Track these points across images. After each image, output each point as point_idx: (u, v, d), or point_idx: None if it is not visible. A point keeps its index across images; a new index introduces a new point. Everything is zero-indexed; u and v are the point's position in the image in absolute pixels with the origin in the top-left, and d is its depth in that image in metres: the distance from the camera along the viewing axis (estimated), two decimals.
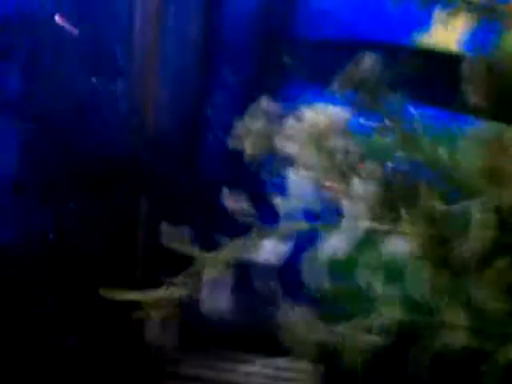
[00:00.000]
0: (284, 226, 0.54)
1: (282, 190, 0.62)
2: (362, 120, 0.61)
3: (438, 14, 0.78)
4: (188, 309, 0.98)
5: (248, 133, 0.64)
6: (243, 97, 1.05)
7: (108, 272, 0.98)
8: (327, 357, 0.69)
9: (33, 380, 1.02)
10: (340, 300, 0.63)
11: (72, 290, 1.04)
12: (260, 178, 1.08)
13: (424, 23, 0.94)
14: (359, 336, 0.60)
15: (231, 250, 0.56)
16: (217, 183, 0.74)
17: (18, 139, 1.07)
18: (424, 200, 0.53)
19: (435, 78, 0.91)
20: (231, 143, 0.65)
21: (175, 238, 0.57)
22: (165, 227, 0.55)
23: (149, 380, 1.04)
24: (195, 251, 0.56)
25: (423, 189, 0.54)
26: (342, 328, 0.58)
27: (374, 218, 0.53)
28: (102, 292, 0.56)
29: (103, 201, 1.04)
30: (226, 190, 0.56)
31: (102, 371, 1.03)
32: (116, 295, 0.56)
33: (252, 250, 0.56)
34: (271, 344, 0.96)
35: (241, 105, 1.04)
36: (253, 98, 0.72)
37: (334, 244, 0.52)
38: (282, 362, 0.69)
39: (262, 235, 0.55)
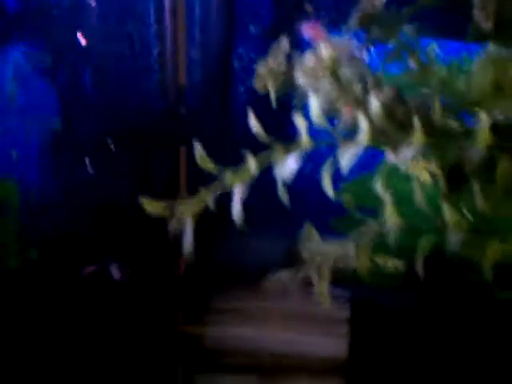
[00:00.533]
0: (304, 140, 0.59)
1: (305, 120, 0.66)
2: (372, 49, 0.64)
3: None
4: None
5: (270, 72, 0.68)
6: (267, 47, 1.10)
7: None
8: (353, 281, 0.73)
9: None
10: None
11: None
12: (285, 119, 1.13)
13: None
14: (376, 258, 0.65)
15: (256, 163, 0.61)
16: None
17: (57, 99, 1.14)
18: (437, 117, 0.57)
19: (449, 9, 0.94)
20: (255, 84, 0.70)
21: (206, 158, 0.62)
22: (198, 148, 0.60)
23: (189, 316, 1.11)
24: (223, 169, 0.61)
25: (437, 108, 0.58)
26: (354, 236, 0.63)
27: (387, 136, 0.57)
28: (143, 202, 0.61)
29: (145, 151, 1.11)
30: (250, 111, 0.61)
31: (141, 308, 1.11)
32: (153, 207, 0.61)
33: (275, 165, 0.61)
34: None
35: (265, 54, 1.09)
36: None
37: (349, 157, 0.57)
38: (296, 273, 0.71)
39: (285, 150, 0.60)
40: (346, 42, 0.63)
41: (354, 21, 0.72)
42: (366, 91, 0.61)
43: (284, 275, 0.64)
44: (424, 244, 0.61)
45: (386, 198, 0.61)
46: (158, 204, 0.65)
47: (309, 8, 1.08)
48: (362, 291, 1.13)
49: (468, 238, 0.58)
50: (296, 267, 0.65)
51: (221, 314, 1.15)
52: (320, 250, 0.63)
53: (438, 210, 0.71)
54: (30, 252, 1.17)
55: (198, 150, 0.64)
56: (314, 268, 0.64)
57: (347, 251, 0.65)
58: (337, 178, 0.68)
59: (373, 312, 1.16)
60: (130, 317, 1.16)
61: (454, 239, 0.58)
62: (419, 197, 0.61)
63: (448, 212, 0.57)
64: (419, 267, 0.62)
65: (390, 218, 0.61)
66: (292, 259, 1.16)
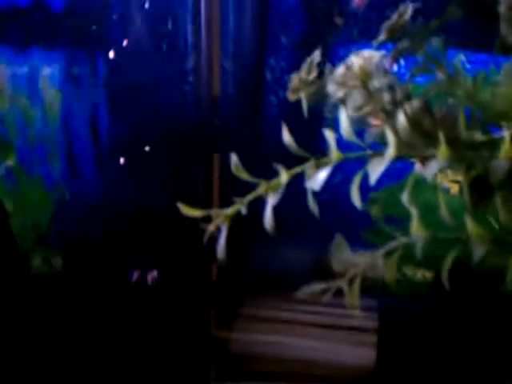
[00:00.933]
0: (334, 154, 0.61)
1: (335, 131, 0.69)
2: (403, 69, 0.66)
3: None
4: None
5: (303, 84, 0.71)
6: (298, 58, 1.13)
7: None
8: (382, 291, 0.75)
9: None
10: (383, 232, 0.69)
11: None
12: (319, 136, 1.15)
13: None
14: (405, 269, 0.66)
15: (288, 176, 0.63)
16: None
17: (92, 111, 1.18)
18: (463, 129, 0.59)
19: (477, 22, 0.95)
20: (288, 94, 0.72)
21: (241, 168, 0.64)
22: (234, 157, 0.63)
23: (220, 321, 1.13)
24: (258, 179, 0.64)
25: (462, 120, 0.60)
26: (383, 250, 0.64)
27: (415, 149, 0.59)
28: (181, 207, 0.64)
29: (180, 159, 1.15)
30: (284, 125, 0.63)
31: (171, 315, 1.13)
32: (192, 212, 0.63)
33: (308, 179, 0.63)
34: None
35: (296, 65, 1.12)
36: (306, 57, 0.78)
37: (378, 170, 0.59)
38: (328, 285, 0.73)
39: (317, 164, 0.62)
40: (376, 53, 0.66)
41: (382, 33, 0.74)
42: (394, 102, 0.63)
43: (316, 287, 0.66)
44: (450, 256, 0.62)
45: (413, 210, 0.62)
46: (196, 210, 0.67)
47: (339, 20, 1.11)
48: (390, 300, 1.14)
49: (492, 250, 0.60)
50: (328, 280, 0.67)
51: (250, 320, 1.17)
52: (351, 261, 0.65)
53: (463, 221, 0.73)
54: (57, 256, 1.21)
55: (234, 159, 0.66)
56: (345, 280, 0.66)
57: (376, 262, 0.67)
58: (365, 187, 0.70)
59: (401, 321, 1.17)
60: (162, 319, 1.19)
61: (478, 251, 0.59)
62: (444, 210, 0.62)
63: (471, 224, 0.59)
64: (445, 279, 0.63)
65: (417, 230, 0.63)
66: (322, 268, 1.18)
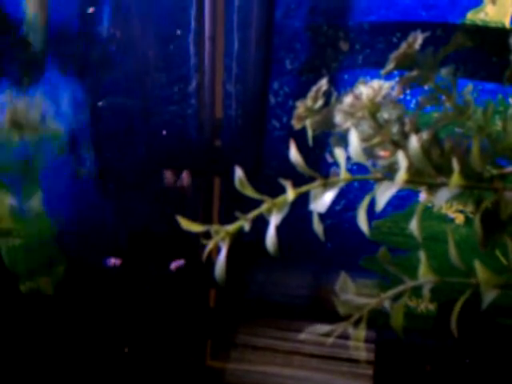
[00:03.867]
0: (343, 174, 0.60)
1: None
2: (409, 96, 0.65)
3: None
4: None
5: (309, 112, 0.70)
6: (302, 83, 1.12)
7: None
8: (380, 323, 0.73)
9: None
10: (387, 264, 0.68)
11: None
12: (322, 160, 1.14)
13: (476, 1, 0.97)
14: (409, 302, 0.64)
15: (294, 194, 0.62)
16: (283, 163, 0.80)
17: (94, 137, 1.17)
18: (475, 160, 0.58)
19: (488, 53, 0.95)
20: (293, 123, 0.71)
21: (246, 183, 0.63)
22: (239, 172, 0.61)
23: (216, 350, 1.11)
24: (262, 196, 0.62)
25: (475, 151, 0.59)
26: (391, 294, 0.63)
27: (424, 176, 0.57)
28: (181, 222, 0.62)
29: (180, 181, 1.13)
30: (292, 143, 0.61)
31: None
32: (192, 227, 0.62)
33: (312, 199, 0.62)
34: (322, 310, 1.02)
35: (300, 90, 1.11)
36: (311, 84, 0.77)
37: (386, 197, 0.57)
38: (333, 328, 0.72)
39: (325, 184, 0.60)
40: (385, 84, 0.64)
41: (390, 62, 0.73)
42: (403, 133, 0.62)
43: (321, 329, 0.64)
44: (459, 301, 0.60)
45: (422, 256, 0.61)
46: (197, 225, 0.65)
47: (344, 46, 1.10)
48: (387, 333, 1.12)
49: (501, 293, 0.58)
50: (333, 324, 0.65)
51: (246, 350, 1.15)
52: (356, 303, 0.63)
53: (469, 253, 0.71)
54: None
55: (239, 174, 0.65)
56: (350, 323, 0.64)
57: (383, 304, 0.65)
58: (368, 215, 0.68)
59: (398, 354, 1.15)
60: (158, 349, 1.17)
61: (488, 297, 0.58)
62: (452, 246, 0.61)
63: (481, 269, 0.57)
64: (454, 326, 0.61)
65: (426, 275, 0.61)
66: (322, 296, 1.16)
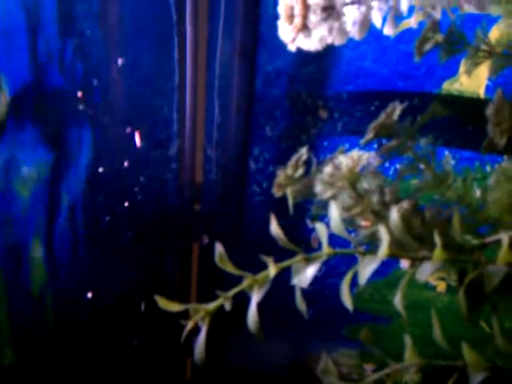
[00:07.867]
0: (326, 249, 0.59)
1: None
2: (387, 163, 0.65)
3: (463, 63, 0.83)
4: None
5: (289, 181, 0.69)
6: (282, 149, 1.13)
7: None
8: None
9: None
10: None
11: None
12: (301, 225, 1.13)
13: (451, 72, 1.00)
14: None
15: (276, 269, 0.61)
16: (263, 229, 0.79)
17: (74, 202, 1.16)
18: (456, 233, 0.58)
19: (464, 122, 0.96)
20: (274, 191, 0.71)
21: (226, 259, 0.62)
22: (219, 247, 0.60)
23: None
24: (244, 272, 0.61)
25: (456, 222, 0.59)
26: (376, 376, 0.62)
27: (406, 249, 0.57)
28: (158, 300, 0.60)
29: (159, 247, 1.12)
30: (272, 217, 0.61)
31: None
32: (169, 306, 0.60)
33: (295, 274, 0.61)
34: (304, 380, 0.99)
35: (280, 156, 1.12)
36: (291, 150, 0.78)
37: (369, 270, 0.57)
38: None
39: (306, 260, 0.59)
40: (365, 154, 0.65)
41: (369, 132, 0.74)
42: (383, 203, 0.62)
43: None
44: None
45: (407, 340, 0.60)
46: (175, 304, 0.64)
47: (323, 114, 1.11)
48: None
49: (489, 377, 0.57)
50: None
51: None
52: None
53: (451, 322, 0.70)
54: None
55: (219, 249, 0.63)
56: None
57: None
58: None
59: None
60: None
61: (475, 380, 0.57)
62: (438, 334, 0.60)
63: (468, 353, 0.56)
64: None
65: (411, 358, 0.61)
66: (302, 367, 1.13)
